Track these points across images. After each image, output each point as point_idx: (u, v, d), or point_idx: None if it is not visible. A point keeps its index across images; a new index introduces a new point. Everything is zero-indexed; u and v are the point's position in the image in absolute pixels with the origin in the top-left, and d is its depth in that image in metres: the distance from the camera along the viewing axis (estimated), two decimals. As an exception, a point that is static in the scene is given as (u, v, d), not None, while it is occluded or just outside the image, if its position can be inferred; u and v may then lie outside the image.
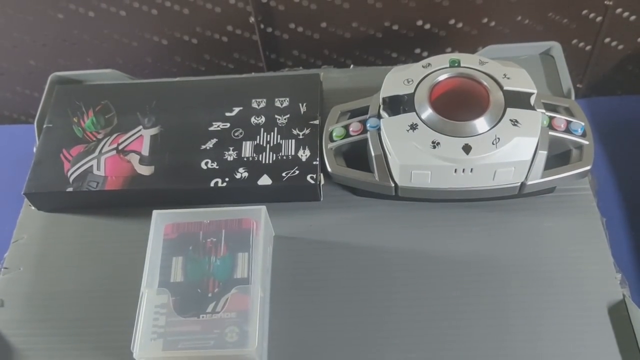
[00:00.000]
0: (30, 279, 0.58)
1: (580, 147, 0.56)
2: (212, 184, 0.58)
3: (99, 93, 0.67)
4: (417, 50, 0.89)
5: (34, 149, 0.63)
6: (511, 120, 0.52)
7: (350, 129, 0.58)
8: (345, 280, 0.55)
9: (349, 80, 0.69)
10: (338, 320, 0.53)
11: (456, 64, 0.56)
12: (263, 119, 0.63)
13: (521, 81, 0.55)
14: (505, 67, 0.56)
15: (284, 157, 0.59)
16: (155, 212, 0.55)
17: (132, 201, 0.60)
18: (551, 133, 0.55)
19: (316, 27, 0.85)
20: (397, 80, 0.56)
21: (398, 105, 0.55)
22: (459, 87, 0.55)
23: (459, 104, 0.54)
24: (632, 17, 0.83)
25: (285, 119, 0.62)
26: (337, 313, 0.54)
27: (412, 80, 0.56)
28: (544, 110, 0.55)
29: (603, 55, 0.88)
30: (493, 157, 0.52)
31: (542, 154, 0.53)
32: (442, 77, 0.55)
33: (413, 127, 0.53)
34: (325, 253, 0.57)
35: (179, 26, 0.86)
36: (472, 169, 0.52)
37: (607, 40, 0.86)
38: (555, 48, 0.68)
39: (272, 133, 0.61)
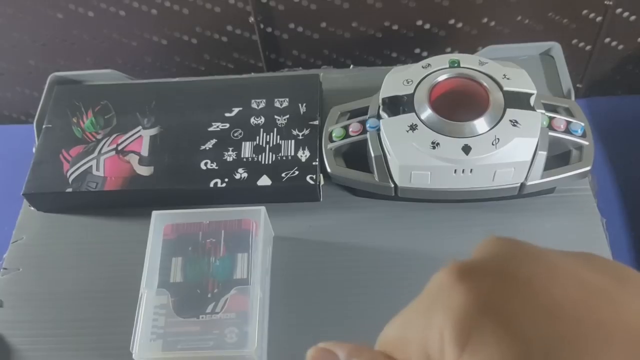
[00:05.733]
0: (30, 280, 0.58)
1: (580, 147, 0.56)
2: (211, 185, 0.58)
3: (99, 93, 0.67)
4: (417, 50, 0.89)
5: (34, 149, 0.63)
6: (511, 121, 0.52)
7: (350, 130, 0.58)
8: (345, 281, 0.55)
9: (348, 80, 0.69)
10: (338, 321, 0.53)
11: (456, 65, 0.56)
12: (262, 119, 0.62)
13: (521, 81, 0.55)
14: (504, 67, 0.56)
15: (284, 158, 0.59)
16: (154, 213, 0.55)
17: (131, 202, 0.60)
18: (551, 133, 0.55)
19: (316, 27, 0.85)
20: (396, 80, 0.56)
21: (398, 105, 0.55)
22: (458, 87, 0.55)
23: (458, 105, 0.54)
24: (632, 17, 0.83)
25: (284, 120, 0.62)
26: (337, 313, 0.54)
27: (412, 81, 0.55)
28: (543, 111, 0.55)
29: (603, 55, 0.88)
30: (493, 158, 0.51)
31: (542, 155, 0.53)
32: (441, 78, 0.55)
33: (413, 127, 0.53)
34: (325, 253, 0.57)
35: (179, 26, 0.86)
36: (471, 170, 0.52)
37: (607, 40, 0.86)
38: (555, 48, 0.68)
39: (271, 133, 0.61)
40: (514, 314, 0.18)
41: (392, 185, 0.56)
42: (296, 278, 0.56)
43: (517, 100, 0.53)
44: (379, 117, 0.56)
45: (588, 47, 0.87)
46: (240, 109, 0.64)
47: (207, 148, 0.61)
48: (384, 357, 0.22)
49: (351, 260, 0.56)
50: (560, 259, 0.20)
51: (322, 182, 0.58)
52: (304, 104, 0.63)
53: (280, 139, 0.61)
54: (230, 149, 0.61)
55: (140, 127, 0.63)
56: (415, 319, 0.21)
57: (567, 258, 0.21)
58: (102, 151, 0.62)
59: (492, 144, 0.51)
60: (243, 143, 0.61)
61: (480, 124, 0.52)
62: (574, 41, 0.86)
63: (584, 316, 0.18)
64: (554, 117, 0.56)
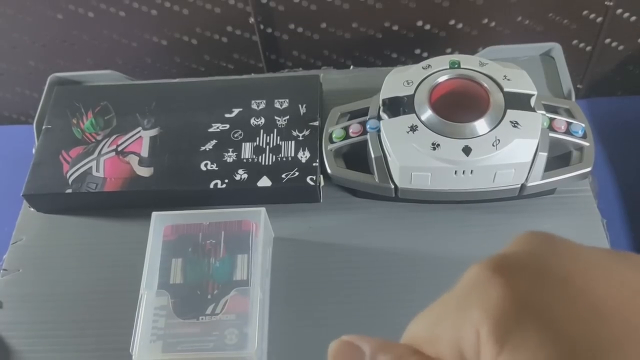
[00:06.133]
0: (29, 281, 0.58)
1: (580, 148, 0.56)
2: (211, 186, 0.58)
3: (98, 94, 0.67)
4: (417, 51, 0.89)
5: (33, 150, 0.63)
6: (511, 122, 0.52)
7: (350, 131, 0.58)
8: (345, 282, 0.55)
9: (348, 81, 0.69)
10: (338, 322, 0.53)
11: (456, 65, 0.56)
12: (263, 120, 0.62)
13: (521, 82, 0.55)
14: (505, 68, 0.56)
15: (284, 159, 0.59)
16: (154, 214, 0.55)
17: (131, 203, 0.60)
18: (551, 134, 0.55)
19: (316, 27, 0.85)
20: (397, 81, 0.56)
21: (398, 106, 0.54)
22: (459, 88, 0.55)
23: (459, 106, 0.54)
24: (633, 18, 0.83)
25: (284, 121, 0.62)
26: (337, 315, 0.54)
27: (412, 82, 0.55)
28: (544, 112, 0.55)
29: (603, 56, 0.88)
30: (493, 159, 0.51)
31: (543, 156, 0.53)
32: (442, 79, 0.55)
33: (413, 128, 0.53)
34: (325, 254, 0.57)
35: (179, 27, 0.86)
36: (472, 171, 0.52)
37: (608, 40, 0.86)
38: (556, 49, 0.68)
39: (271, 134, 0.61)
40: (557, 313, 0.17)
41: (393, 186, 0.56)
42: (296, 279, 0.56)
43: (518, 101, 0.53)
44: (379, 118, 0.56)
45: (588, 48, 0.87)
46: (240, 109, 0.63)
47: (207, 149, 0.61)
48: (412, 352, 0.21)
49: (351, 261, 0.56)
50: (599, 257, 0.19)
51: (322, 183, 0.58)
52: (304, 105, 0.63)
53: (281, 139, 0.61)
54: (230, 149, 0.60)
55: (140, 128, 0.63)
56: (448, 314, 0.20)
57: (606, 255, 0.20)
58: (102, 152, 0.62)
59: (493, 145, 0.51)
60: (243, 144, 0.61)
61: (481, 125, 0.52)
62: (574, 42, 0.86)
63: (631, 317, 0.17)
64: (555, 118, 0.56)
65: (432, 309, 0.21)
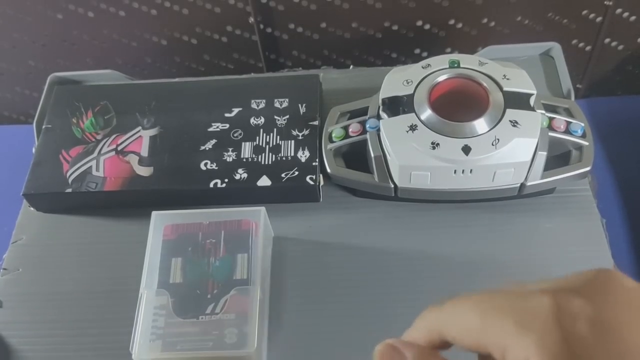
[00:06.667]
0: (29, 280, 0.58)
1: (580, 147, 0.56)
2: (211, 185, 0.58)
3: (98, 94, 0.67)
4: (417, 51, 0.89)
5: (33, 150, 0.63)
6: (511, 121, 0.52)
7: (350, 130, 0.58)
8: (345, 281, 0.55)
9: (348, 80, 0.69)
10: (337, 322, 0.53)
11: (456, 65, 0.56)
12: (262, 119, 0.62)
13: (521, 82, 0.55)
14: (504, 67, 0.56)
15: (284, 158, 0.59)
16: (154, 213, 0.55)
17: (131, 202, 0.60)
18: (551, 134, 0.55)
19: (316, 27, 0.85)
20: (396, 81, 0.56)
21: (397, 106, 0.55)
22: (458, 88, 0.55)
23: (458, 105, 0.54)
24: (632, 18, 0.83)
25: (284, 120, 0.62)
26: (337, 314, 0.54)
27: (412, 81, 0.55)
28: (543, 111, 0.55)
29: (603, 56, 0.88)
30: (492, 158, 0.51)
31: (542, 155, 0.53)
32: (441, 78, 0.55)
33: (412, 128, 0.53)
34: (325, 254, 0.57)
35: (179, 26, 0.86)
36: (471, 170, 0.52)
37: (607, 40, 0.86)
38: (555, 49, 0.68)
39: (271, 134, 0.61)
40: None
41: (392, 186, 0.56)
42: (296, 278, 0.56)
43: (517, 101, 0.53)
44: (378, 117, 0.56)
45: (588, 48, 0.87)
46: (240, 109, 0.64)
47: (207, 148, 0.61)
48: None
49: (351, 261, 0.56)
50: None
51: (322, 183, 0.58)
52: (304, 104, 0.63)
53: (280, 139, 0.61)
54: (230, 149, 0.60)
55: (140, 128, 0.63)
56: (503, 320, 0.23)
57: None
58: (102, 151, 0.62)
59: (492, 145, 0.51)
60: (243, 143, 0.61)
61: (480, 125, 0.52)
62: (574, 41, 0.86)
63: None
64: (554, 118, 0.56)
65: (487, 301, 0.24)
